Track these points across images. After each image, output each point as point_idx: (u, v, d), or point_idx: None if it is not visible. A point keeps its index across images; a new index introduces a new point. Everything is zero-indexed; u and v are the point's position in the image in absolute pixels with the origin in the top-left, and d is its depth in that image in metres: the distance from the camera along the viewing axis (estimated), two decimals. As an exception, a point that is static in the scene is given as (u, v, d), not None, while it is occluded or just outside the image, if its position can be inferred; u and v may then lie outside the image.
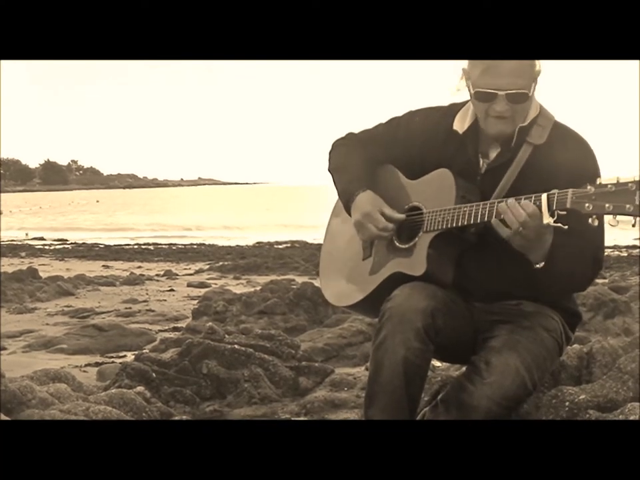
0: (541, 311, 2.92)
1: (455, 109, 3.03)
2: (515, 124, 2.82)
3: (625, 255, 19.58)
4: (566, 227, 2.54)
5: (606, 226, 2.65)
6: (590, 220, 2.47)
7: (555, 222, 2.54)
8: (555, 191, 2.54)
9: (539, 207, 2.55)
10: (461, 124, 2.98)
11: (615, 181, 2.44)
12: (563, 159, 2.78)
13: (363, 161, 3.14)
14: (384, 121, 3.19)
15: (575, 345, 3.50)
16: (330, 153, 3.27)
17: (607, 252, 20.26)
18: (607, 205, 2.42)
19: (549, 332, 2.87)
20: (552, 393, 3.15)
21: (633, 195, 2.39)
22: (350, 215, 3.06)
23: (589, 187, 2.46)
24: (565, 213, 2.53)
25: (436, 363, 3.55)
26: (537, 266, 2.71)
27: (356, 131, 3.26)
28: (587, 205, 2.45)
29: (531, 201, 2.58)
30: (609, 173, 2.73)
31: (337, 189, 3.20)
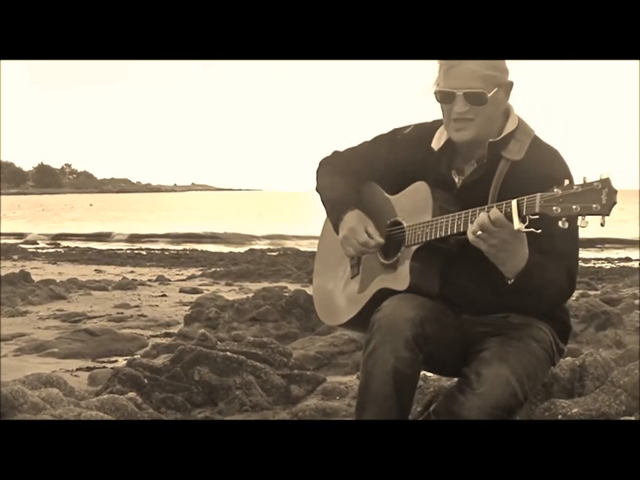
0: (529, 322, 2.92)
1: (436, 125, 3.06)
2: (477, 129, 2.84)
3: (617, 266, 19.64)
4: (539, 230, 2.53)
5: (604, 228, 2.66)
6: (560, 223, 2.46)
7: (526, 227, 2.53)
8: (524, 197, 2.54)
9: (510, 213, 2.55)
10: (438, 141, 3.02)
11: (582, 182, 2.43)
12: (542, 175, 2.75)
13: (348, 180, 3.18)
14: (375, 135, 3.22)
15: (567, 358, 3.50)
16: (317, 172, 3.31)
17: (599, 264, 20.33)
18: (574, 207, 2.41)
19: (538, 342, 2.87)
20: (544, 406, 3.15)
21: (599, 194, 2.39)
22: (338, 233, 3.09)
23: (555, 190, 2.45)
24: (537, 217, 2.51)
25: (428, 373, 3.55)
26: (509, 282, 2.71)
27: (349, 145, 3.28)
28: (554, 208, 2.45)
29: (502, 207, 2.59)
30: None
31: (325, 208, 3.23)
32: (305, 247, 25.98)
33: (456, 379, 2.95)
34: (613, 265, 20.14)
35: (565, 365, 3.46)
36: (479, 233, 2.61)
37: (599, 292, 10.39)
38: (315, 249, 3.50)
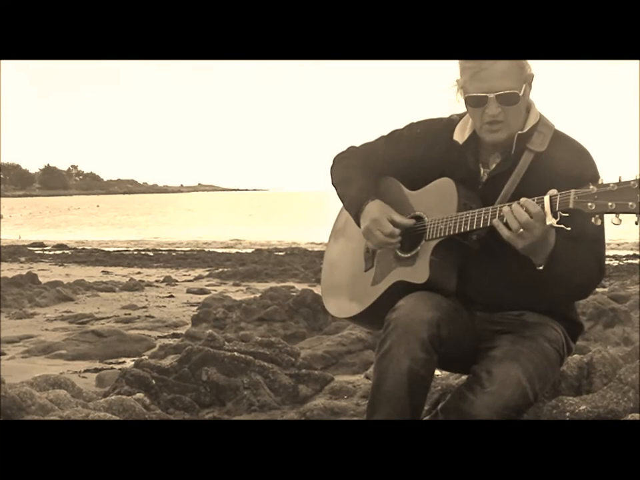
0: (543, 321, 2.92)
1: (455, 119, 3.04)
2: (510, 129, 2.83)
3: (625, 264, 19.61)
4: (569, 228, 2.54)
5: (607, 228, 2.67)
6: (593, 219, 2.47)
7: (558, 223, 2.54)
8: (557, 192, 2.54)
9: (542, 209, 2.56)
10: (461, 134, 2.99)
11: (617, 180, 2.44)
12: (564, 166, 2.78)
13: (367, 173, 3.14)
14: (385, 133, 3.20)
15: (575, 355, 3.50)
16: (332, 168, 3.27)
17: (607, 261, 20.30)
18: (609, 204, 2.43)
19: (550, 342, 2.87)
20: (552, 403, 3.15)
21: (635, 193, 2.40)
22: (359, 225, 3.06)
23: (591, 187, 2.47)
24: (567, 215, 2.53)
25: (436, 371, 3.55)
26: (539, 268, 2.71)
27: (357, 144, 3.26)
28: (589, 204, 2.46)
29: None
30: (609, 174, 2.74)
31: (342, 201, 3.21)
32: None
33: (464, 377, 2.94)
34: (621, 263, 20.10)
35: (573, 363, 3.45)
36: (521, 230, 2.60)
37: (606, 289, 10.37)
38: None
